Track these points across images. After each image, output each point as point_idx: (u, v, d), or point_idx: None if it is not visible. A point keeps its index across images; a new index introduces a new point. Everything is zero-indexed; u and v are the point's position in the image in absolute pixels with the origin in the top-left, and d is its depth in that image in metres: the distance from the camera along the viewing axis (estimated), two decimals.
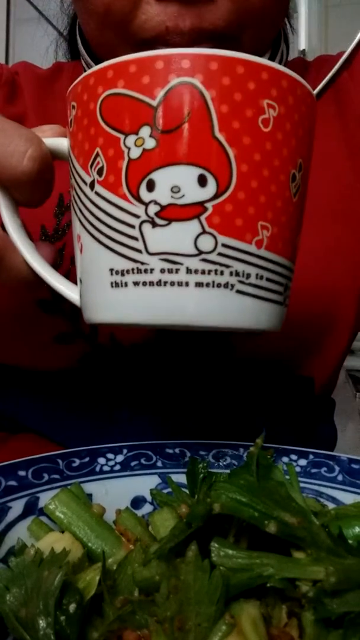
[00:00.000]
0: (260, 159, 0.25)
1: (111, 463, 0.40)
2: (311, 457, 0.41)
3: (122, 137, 0.25)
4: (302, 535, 0.29)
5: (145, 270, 0.26)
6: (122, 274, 0.26)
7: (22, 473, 0.38)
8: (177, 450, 0.42)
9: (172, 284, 0.26)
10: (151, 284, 0.26)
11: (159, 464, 0.41)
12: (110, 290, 0.27)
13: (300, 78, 0.28)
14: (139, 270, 0.26)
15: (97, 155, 0.26)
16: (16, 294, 0.53)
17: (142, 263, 0.26)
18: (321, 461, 0.41)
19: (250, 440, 0.40)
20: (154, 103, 0.25)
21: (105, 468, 0.40)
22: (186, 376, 0.56)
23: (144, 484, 0.40)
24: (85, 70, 0.62)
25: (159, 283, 0.26)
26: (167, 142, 0.25)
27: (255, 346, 0.54)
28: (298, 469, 0.40)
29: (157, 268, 0.26)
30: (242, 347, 0.54)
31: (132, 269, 0.26)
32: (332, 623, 0.26)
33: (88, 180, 0.27)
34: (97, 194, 0.27)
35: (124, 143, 0.25)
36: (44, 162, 0.29)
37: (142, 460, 0.41)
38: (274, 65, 0.26)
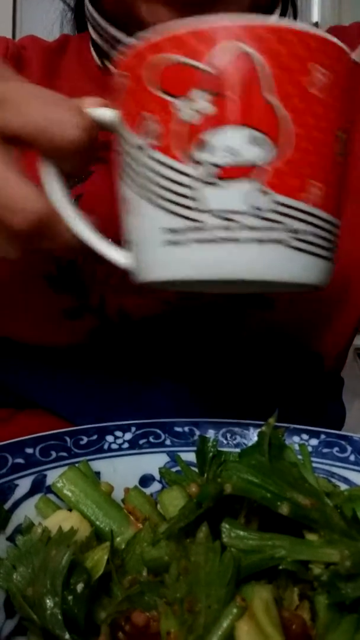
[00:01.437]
0: (312, 122, 0.27)
1: (119, 441, 0.40)
2: (323, 437, 0.40)
3: (176, 101, 0.27)
4: (315, 517, 0.28)
5: (202, 228, 0.27)
6: (178, 233, 0.28)
7: (29, 450, 0.37)
8: (186, 429, 0.41)
9: (229, 240, 0.27)
10: (208, 241, 0.27)
11: (168, 442, 0.40)
12: (165, 248, 0.28)
13: (345, 46, 0.29)
14: (196, 229, 0.27)
15: (151, 120, 0.28)
16: (23, 268, 0.52)
17: (199, 221, 0.27)
18: (333, 441, 0.40)
19: (259, 418, 0.39)
20: (209, 69, 0.26)
21: (114, 446, 0.39)
22: (196, 350, 0.55)
23: (153, 462, 0.39)
24: (92, 40, 0.61)
25: (215, 240, 0.27)
26: (223, 105, 0.26)
27: (266, 320, 0.54)
28: (309, 449, 0.39)
29: (214, 225, 0.27)
30: (252, 321, 0.53)
31: (189, 227, 0.27)
32: (345, 607, 0.25)
33: (142, 144, 0.28)
34: (151, 157, 0.28)
35: (179, 107, 0.27)
36: (91, 132, 0.30)
37: (151, 439, 0.40)
38: (322, 33, 0.27)
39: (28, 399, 0.55)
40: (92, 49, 0.62)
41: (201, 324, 0.54)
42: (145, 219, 0.29)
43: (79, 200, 0.52)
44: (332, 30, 0.65)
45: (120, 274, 0.52)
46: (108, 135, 0.58)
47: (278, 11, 0.57)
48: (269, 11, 0.58)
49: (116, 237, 0.52)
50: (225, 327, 0.54)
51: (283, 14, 0.58)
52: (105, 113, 0.31)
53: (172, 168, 0.27)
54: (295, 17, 0.61)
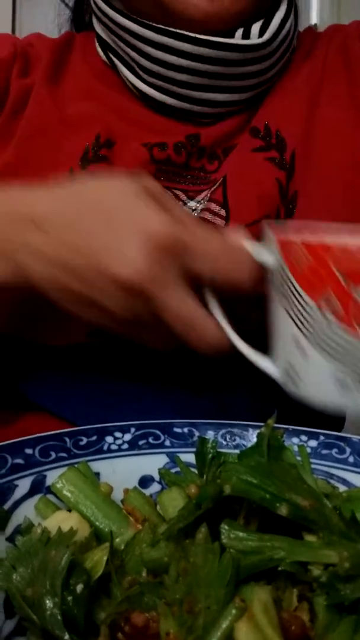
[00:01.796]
0: None
1: (119, 442, 0.40)
2: (322, 438, 0.40)
3: (351, 285, 0.33)
4: (314, 518, 0.28)
5: None
6: (346, 378, 0.35)
7: (29, 451, 0.37)
8: (185, 430, 0.41)
9: None
10: None
11: (167, 443, 0.40)
12: (333, 386, 0.35)
13: None
14: None
15: (330, 294, 0.34)
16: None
17: None
18: (332, 442, 0.40)
19: (259, 419, 0.39)
20: None
21: (113, 447, 0.40)
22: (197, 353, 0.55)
23: (152, 463, 0.39)
24: (97, 36, 0.61)
25: None
26: None
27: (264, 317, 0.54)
28: (308, 450, 0.39)
29: None
30: (254, 324, 0.53)
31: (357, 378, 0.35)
32: (344, 608, 0.25)
33: (316, 308, 0.35)
34: (327, 319, 0.34)
35: (354, 290, 0.33)
36: (258, 273, 0.38)
37: (150, 439, 0.40)
38: None
39: (30, 401, 0.55)
40: (97, 44, 0.62)
41: None
42: (317, 365, 0.35)
43: None
44: (331, 29, 0.65)
45: None
46: (110, 132, 0.56)
47: (283, 10, 0.57)
48: (272, 9, 0.58)
49: None
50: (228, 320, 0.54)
51: (288, 13, 0.58)
52: (269, 259, 0.37)
53: (347, 334, 0.34)
54: (295, 17, 0.61)
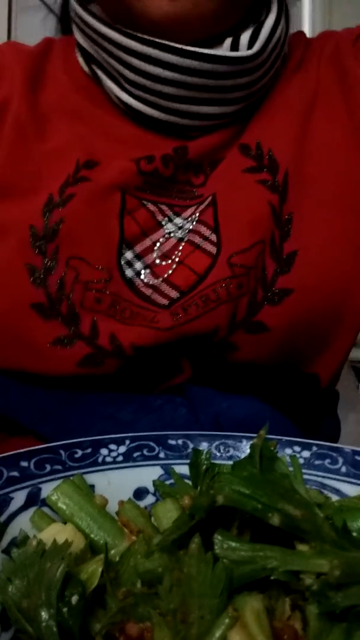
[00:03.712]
0: None
1: (114, 454, 0.40)
2: (314, 448, 0.41)
3: None
4: (306, 527, 0.29)
5: None
6: None
7: (24, 464, 0.38)
8: (179, 442, 0.42)
9: None
10: None
11: (162, 455, 0.41)
12: None
13: None
14: None
15: None
16: (7, 297, 0.51)
17: None
18: (325, 453, 0.40)
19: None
20: None
21: (108, 459, 0.40)
22: (191, 372, 0.54)
23: (147, 475, 0.39)
24: (78, 45, 0.57)
25: None
26: None
27: (260, 346, 0.53)
28: (301, 461, 0.39)
29: None
30: (246, 347, 0.52)
31: None
32: (336, 616, 0.25)
33: None
34: None
35: None
36: None
37: (145, 452, 0.41)
38: None
39: (20, 424, 0.54)
40: (78, 54, 0.60)
41: (196, 348, 0.53)
42: None
43: (61, 225, 0.51)
44: (322, 37, 0.63)
45: (110, 300, 0.51)
46: (92, 154, 0.54)
47: (273, 17, 0.55)
48: (259, 14, 0.56)
49: (98, 261, 0.51)
50: (220, 351, 0.53)
51: (278, 19, 0.56)
52: None
53: None
54: (287, 24, 0.59)
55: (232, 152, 0.56)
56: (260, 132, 0.56)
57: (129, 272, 0.53)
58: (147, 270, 0.53)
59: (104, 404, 0.52)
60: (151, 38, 0.50)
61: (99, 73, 0.57)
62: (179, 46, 0.50)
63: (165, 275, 0.53)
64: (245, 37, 0.53)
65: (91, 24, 0.53)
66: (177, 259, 0.54)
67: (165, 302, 0.53)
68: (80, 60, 0.59)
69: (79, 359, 0.50)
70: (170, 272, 0.53)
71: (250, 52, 0.52)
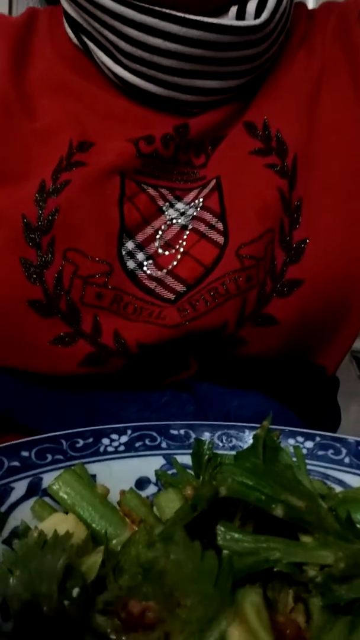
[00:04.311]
0: None
1: (115, 444, 0.40)
2: (318, 439, 0.40)
3: None
4: (310, 519, 0.29)
5: None
6: None
7: (25, 454, 0.37)
8: (181, 432, 0.41)
9: None
10: None
11: (164, 444, 0.41)
12: None
13: None
14: None
15: None
16: (1, 294, 0.48)
17: None
18: (328, 443, 0.40)
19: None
20: None
21: (110, 449, 0.40)
22: (196, 366, 0.52)
23: (149, 464, 0.39)
24: (66, 14, 0.52)
25: None
26: None
27: (269, 339, 0.51)
28: (304, 451, 0.39)
29: None
30: (255, 341, 0.51)
31: None
32: (339, 609, 0.25)
33: None
34: None
35: None
36: None
37: (147, 441, 0.41)
38: None
39: (16, 421, 0.52)
40: (66, 24, 0.54)
41: (204, 343, 0.51)
42: None
43: (56, 215, 0.48)
44: (325, 8, 0.59)
45: (112, 295, 0.49)
46: (86, 134, 0.51)
47: None
48: None
49: (98, 253, 0.49)
50: (228, 346, 0.51)
51: None
52: None
53: None
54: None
55: (236, 130, 0.53)
56: (267, 110, 0.53)
57: (130, 264, 0.50)
58: (150, 262, 0.51)
59: (107, 402, 0.51)
60: (149, 6, 0.46)
61: (90, 44, 0.52)
62: (181, 15, 0.45)
63: (170, 267, 0.51)
64: (252, 5, 0.49)
65: None
66: (181, 249, 0.51)
67: (171, 296, 0.50)
68: (68, 30, 0.54)
69: (81, 358, 0.48)
70: (175, 263, 0.51)
71: (257, 21, 0.48)
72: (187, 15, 0.46)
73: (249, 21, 0.48)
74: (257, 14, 0.48)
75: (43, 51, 0.56)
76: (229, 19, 0.49)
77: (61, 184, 0.49)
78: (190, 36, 0.46)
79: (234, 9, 0.49)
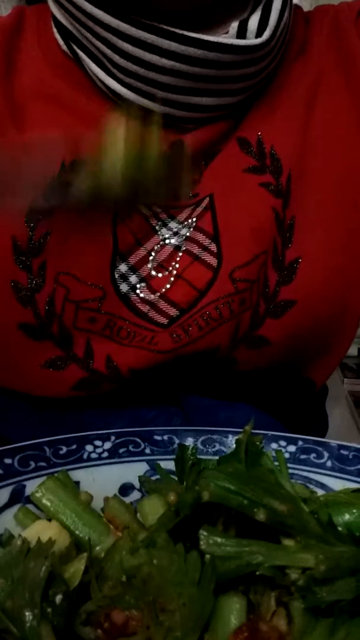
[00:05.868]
0: None
1: (99, 450, 0.40)
2: (300, 443, 0.41)
3: None
4: (292, 522, 0.29)
5: None
6: None
7: (8, 461, 0.37)
8: (165, 437, 0.41)
9: None
10: None
11: (147, 450, 0.41)
12: None
13: None
14: None
15: None
16: None
17: None
18: (310, 447, 0.41)
19: None
20: None
21: (93, 455, 0.40)
22: (188, 385, 0.52)
23: (132, 471, 0.39)
24: (55, 20, 0.48)
25: None
26: None
27: (261, 359, 0.50)
28: (287, 455, 0.39)
29: None
30: (245, 360, 0.50)
31: None
32: (321, 612, 0.25)
33: None
34: None
35: None
36: None
37: (130, 447, 0.41)
38: None
39: (7, 438, 0.49)
40: (54, 30, 0.51)
41: (197, 368, 0.50)
42: None
43: (48, 238, 0.47)
44: (320, 13, 0.57)
45: (105, 320, 0.48)
46: (79, 153, 0.48)
47: None
48: None
49: (90, 277, 0.48)
50: (220, 366, 0.50)
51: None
52: None
53: None
54: (290, 4, 0.52)
55: (230, 146, 0.51)
56: (260, 125, 0.51)
57: (123, 287, 0.49)
58: (143, 284, 0.49)
59: (95, 417, 0.50)
60: (146, 21, 0.44)
61: (80, 54, 0.49)
62: (180, 32, 0.43)
63: (163, 290, 0.49)
64: (253, 21, 0.46)
65: (76, 1, 0.45)
66: (174, 272, 0.50)
67: (164, 320, 0.49)
68: (58, 37, 0.51)
69: (73, 382, 0.48)
70: (168, 286, 0.49)
71: (259, 40, 0.45)
72: (186, 33, 0.44)
73: (251, 40, 0.46)
74: (259, 31, 0.46)
75: (32, 56, 0.52)
76: (229, 36, 0.46)
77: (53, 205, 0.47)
78: (189, 54, 0.44)
79: (234, 25, 0.46)
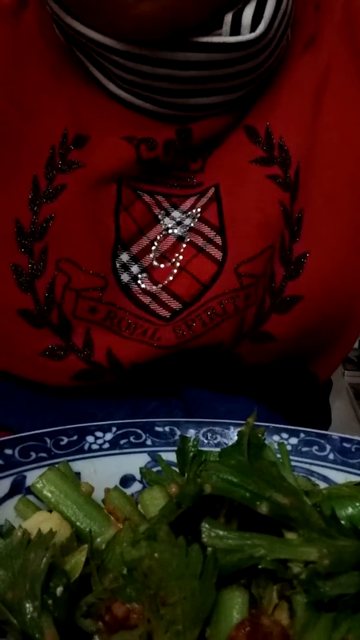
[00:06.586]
0: None
1: (100, 441, 0.40)
2: (302, 435, 0.41)
3: None
4: (294, 515, 0.29)
5: None
6: None
7: (8, 451, 0.37)
8: (166, 429, 0.41)
9: None
10: None
11: (149, 442, 0.40)
12: None
13: None
14: None
15: None
16: None
17: None
18: (312, 440, 0.40)
19: None
20: None
21: (94, 446, 0.39)
22: (191, 379, 0.52)
23: (134, 462, 0.39)
24: (57, 27, 0.46)
25: None
26: None
27: (265, 354, 0.50)
28: (289, 448, 0.39)
29: None
30: (249, 355, 0.50)
31: None
32: (323, 606, 0.25)
33: None
34: None
35: None
36: None
37: (132, 439, 0.40)
38: None
39: (4, 425, 0.50)
40: (55, 27, 0.48)
41: (200, 362, 0.50)
42: None
43: (51, 222, 0.46)
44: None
45: (106, 310, 0.48)
46: (80, 124, 0.46)
47: None
48: None
49: (91, 265, 0.47)
50: (223, 361, 0.50)
51: None
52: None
53: None
54: None
55: (237, 135, 0.49)
56: (269, 114, 0.49)
57: (124, 277, 0.48)
58: (145, 275, 0.49)
59: (94, 407, 0.50)
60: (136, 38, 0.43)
61: (81, 56, 0.48)
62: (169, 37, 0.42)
63: (165, 282, 0.49)
64: (248, 14, 0.43)
65: (67, 21, 0.44)
66: (177, 264, 0.49)
67: (166, 314, 0.48)
68: (59, 35, 0.49)
69: (73, 373, 0.48)
70: (170, 278, 0.49)
71: (253, 35, 0.43)
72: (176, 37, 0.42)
73: (244, 35, 0.43)
74: (254, 25, 0.44)
75: (33, 41, 0.50)
76: (222, 33, 0.44)
77: (56, 188, 0.47)
78: (181, 59, 0.43)
79: (228, 19, 0.44)
